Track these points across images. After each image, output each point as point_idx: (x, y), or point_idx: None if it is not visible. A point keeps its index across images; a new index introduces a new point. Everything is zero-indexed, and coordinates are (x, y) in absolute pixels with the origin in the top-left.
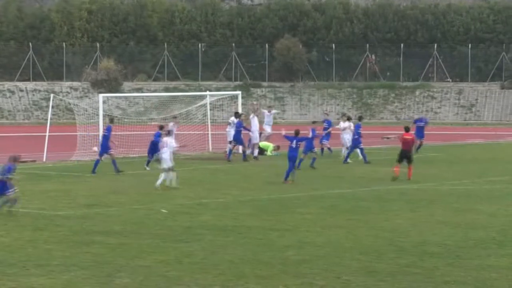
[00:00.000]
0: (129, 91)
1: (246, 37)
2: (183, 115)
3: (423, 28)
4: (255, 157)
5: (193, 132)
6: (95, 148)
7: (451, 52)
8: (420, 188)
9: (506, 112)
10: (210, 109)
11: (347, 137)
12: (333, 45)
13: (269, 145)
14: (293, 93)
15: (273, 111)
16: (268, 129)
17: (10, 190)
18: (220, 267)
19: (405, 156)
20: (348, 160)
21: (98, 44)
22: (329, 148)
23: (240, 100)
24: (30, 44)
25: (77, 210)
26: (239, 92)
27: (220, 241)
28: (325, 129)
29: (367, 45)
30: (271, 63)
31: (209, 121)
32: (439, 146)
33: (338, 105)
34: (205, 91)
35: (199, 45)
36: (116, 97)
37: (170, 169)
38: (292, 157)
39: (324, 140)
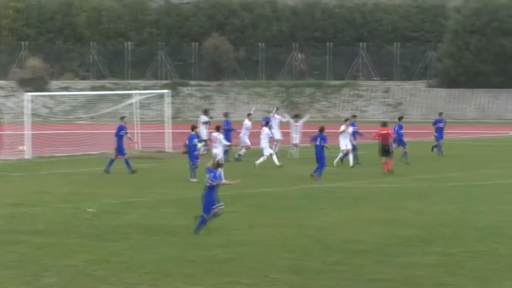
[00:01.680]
0: (56, 90)
1: (174, 35)
2: (111, 114)
3: (350, 26)
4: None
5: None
6: (21, 147)
7: (379, 51)
8: (348, 187)
9: (432, 110)
10: (139, 108)
11: (346, 141)
12: (261, 43)
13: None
14: (221, 91)
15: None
16: (277, 135)
17: (216, 204)
18: (147, 266)
19: (384, 149)
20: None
21: (24, 43)
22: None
23: (167, 99)
24: None
25: (3, 209)
26: (166, 91)
27: (147, 240)
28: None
29: (295, 43)
30: (198, 62)
31: (135, 119)
32: (366, 144)
33: (265, 103)
34: (133, 89)
35: (127, 43)
36: (42, 96)
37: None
38: (317, 155)
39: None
